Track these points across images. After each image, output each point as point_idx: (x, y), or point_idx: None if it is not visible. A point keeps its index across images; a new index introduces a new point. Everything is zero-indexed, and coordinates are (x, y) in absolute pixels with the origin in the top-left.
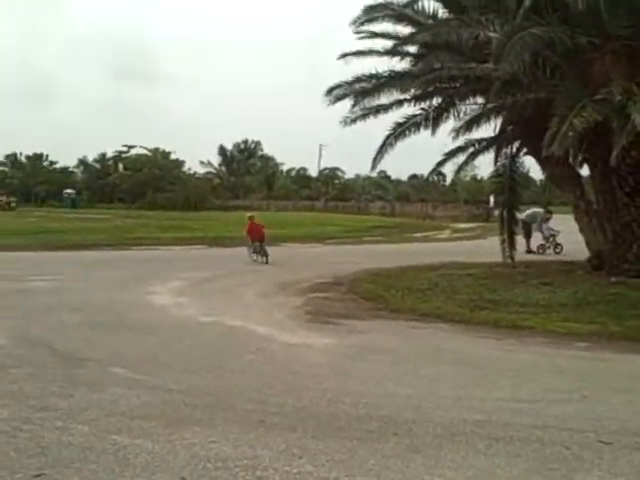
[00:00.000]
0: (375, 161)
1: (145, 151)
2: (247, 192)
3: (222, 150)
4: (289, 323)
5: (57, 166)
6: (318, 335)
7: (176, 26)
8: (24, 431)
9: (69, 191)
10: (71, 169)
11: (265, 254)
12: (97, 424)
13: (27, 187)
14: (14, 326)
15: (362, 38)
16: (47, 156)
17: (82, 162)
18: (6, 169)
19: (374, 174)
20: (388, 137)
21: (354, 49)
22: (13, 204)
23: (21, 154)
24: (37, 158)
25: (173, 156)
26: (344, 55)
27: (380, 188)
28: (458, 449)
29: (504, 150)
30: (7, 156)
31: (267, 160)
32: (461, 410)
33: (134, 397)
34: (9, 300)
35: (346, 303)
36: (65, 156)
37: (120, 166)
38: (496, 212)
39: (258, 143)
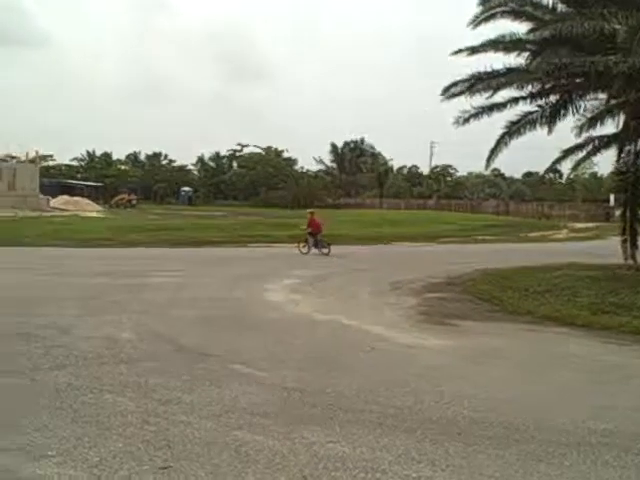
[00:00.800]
0: (489, 160)
1: (258, 149)
2: (359, 190)
3: (334, 148)
4: (403, 323)
5: (175, 164)
6: (433, 336)
7: (285, 25)
8: (150, 424)
9: (186, 189)
10: (188, 167)
11: (327, 245)
12: (219, 419)
13: (147, 185)
14: (138, 321)
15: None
16: (166, 155)
17: (200, 160)
18: (127, 167)
19: (487, 172)
20: (503, 135)
21: (467, 44)
22: (134, 202)
23: (140, 153)
24: (156, 157)
25: (285, 154)
26: (458, 51)
27: (493, 186)
28: (584, 459)
29: (627, 147)
30: (128, 155)
31: (377, 158)
32: (586, 418)
33: (254, 394)
34: (133, 295)
35: (461, 304)
36: (180, 154)
37: (234, 164)
38: (617, 212)
39: (363, 140)
